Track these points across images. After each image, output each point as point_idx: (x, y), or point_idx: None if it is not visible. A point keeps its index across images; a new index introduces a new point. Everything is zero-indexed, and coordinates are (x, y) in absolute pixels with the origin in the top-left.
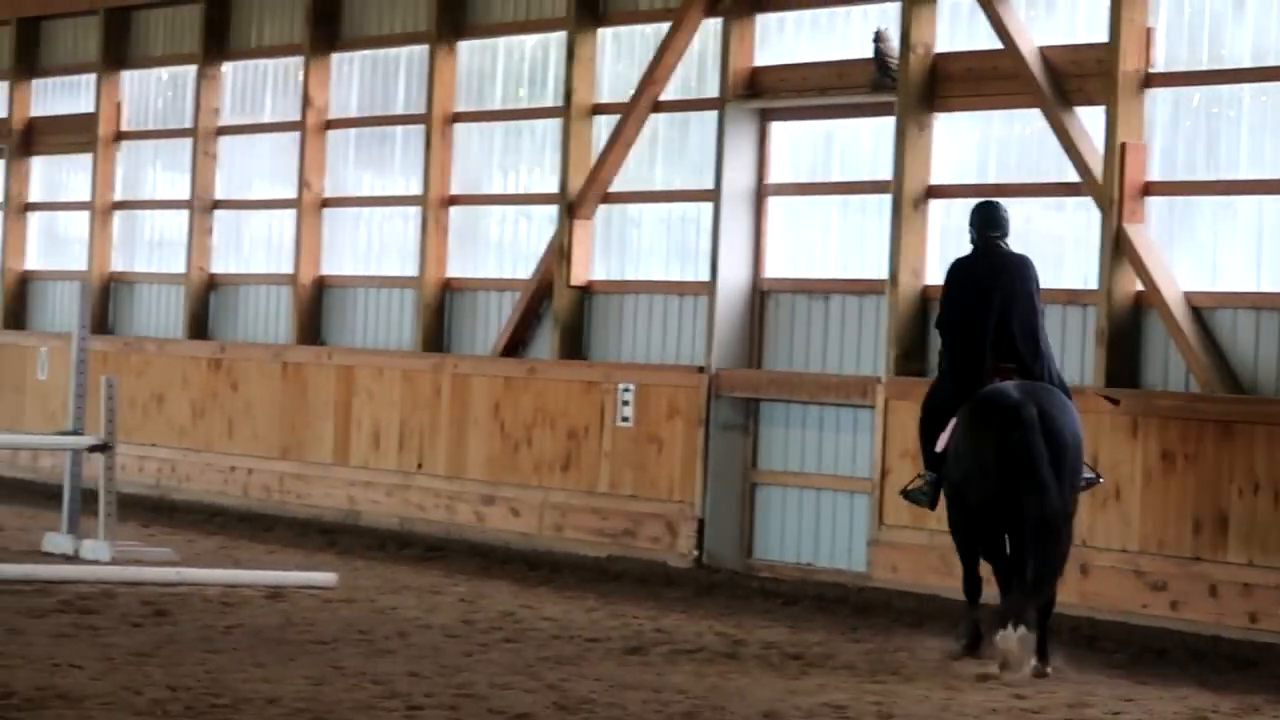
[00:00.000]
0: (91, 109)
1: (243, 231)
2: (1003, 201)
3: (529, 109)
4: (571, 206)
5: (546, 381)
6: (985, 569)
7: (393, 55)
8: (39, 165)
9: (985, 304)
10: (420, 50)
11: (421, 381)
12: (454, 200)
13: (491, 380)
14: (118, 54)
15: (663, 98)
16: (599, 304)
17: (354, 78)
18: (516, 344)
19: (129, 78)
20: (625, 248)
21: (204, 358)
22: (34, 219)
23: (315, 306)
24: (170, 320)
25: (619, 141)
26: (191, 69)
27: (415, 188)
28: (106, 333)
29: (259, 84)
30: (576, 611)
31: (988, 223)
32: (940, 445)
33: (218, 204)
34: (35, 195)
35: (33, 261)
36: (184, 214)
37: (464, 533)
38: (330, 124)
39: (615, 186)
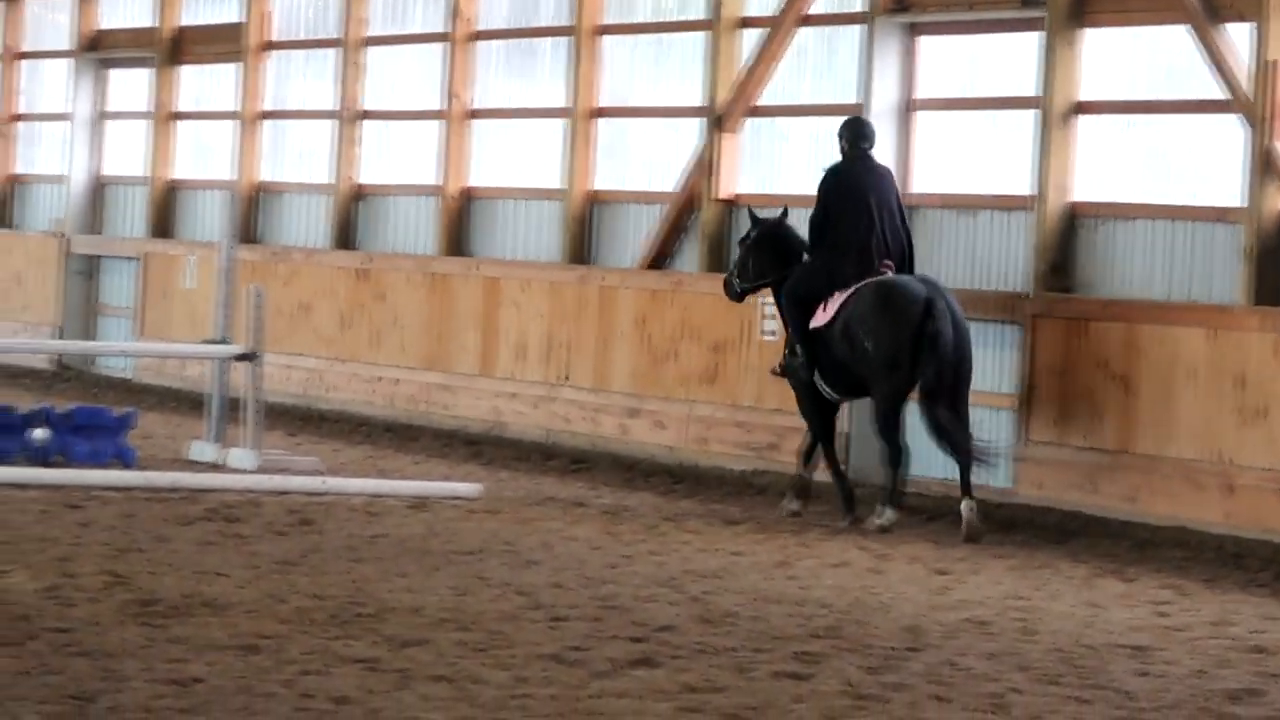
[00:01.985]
0: (240, 18)
1: (389, 142)
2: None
3: (676, 21)
4: (718, 120)
5: (692, 295)
6: None
7: None
8: (187, 75)
9: (865, 207)
10: None
11: (567, 294)
12: (601, 113)
13: (637, 293)
14: None
15: (810, 11)
16: (743, 217)
17: None
18: (662, 257)
19: None
20: (772, 161)
21: (350, 268)
22: (182, 128)
23: (461, 218)
24: (317, 230)
25: (766, 55)
26: None
27: (562, 100)
28: (253, 242)
29: None
30: (720, 525)
31: (859, 135)
32: (819, 321)
33: (365, 114)
34: (183, 105)
35: (181, 171)
36: (331, 124)
37: (608, 445)
38: (478, 35)
39: (762, 100)
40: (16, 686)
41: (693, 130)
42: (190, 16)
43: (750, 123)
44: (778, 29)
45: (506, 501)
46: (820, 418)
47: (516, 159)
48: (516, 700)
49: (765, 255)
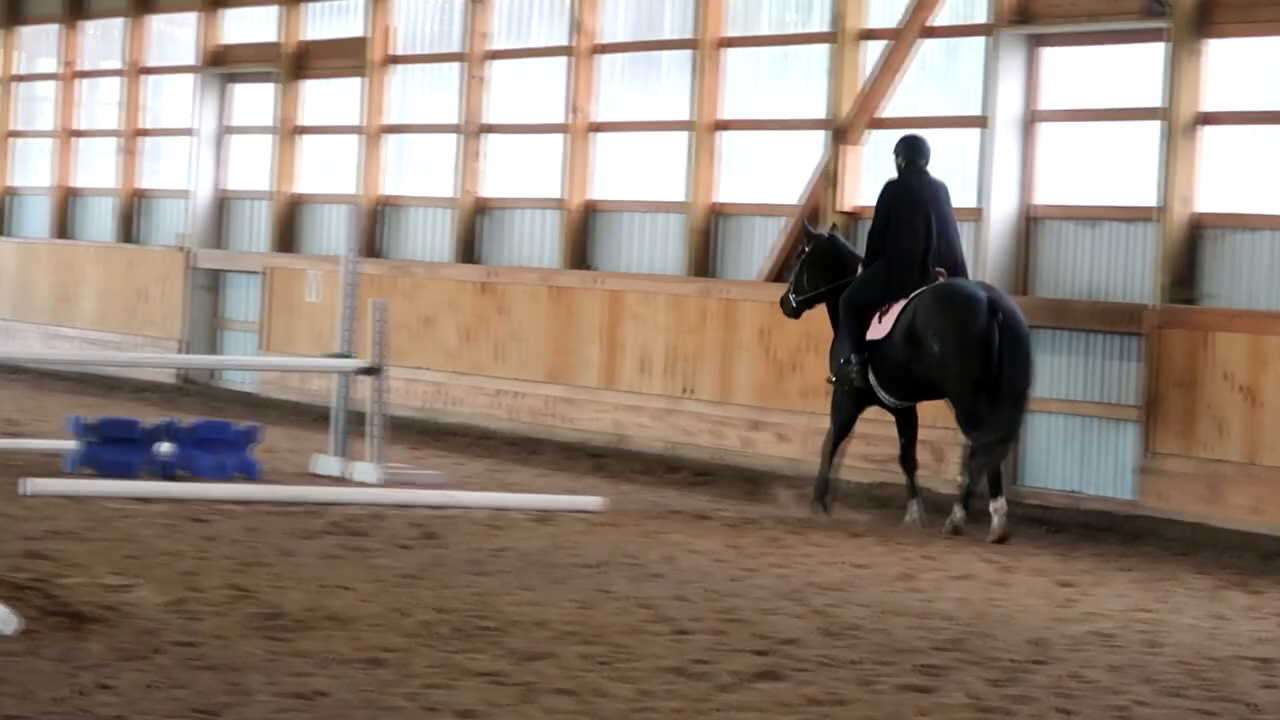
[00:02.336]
0: (363, 33)
1: (512, 156)
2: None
3: (799, 34)
4: (840, 132)
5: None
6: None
7: None
8: (310, 89)
9: (923, 220)
10: None
11: (689, 306)
12: (723, 125)
13: (759, 305)
14: None
15: (933, 23)
16: (867, 229)
17: (624, 2)
18: (784, 269)
19: (400, 2)
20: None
21: (473, 281)
22: (305, 143)
23: (584, 231)
24: (439, 244)
25: (888, 67)
26: None
27: (684, 113)
28: (376, 256)
29: (529, 8)
30: (843, 537)
31: (917, 152)
32: (878, 333)
33: (487, 128)
34: (306, 119)
35: (304, 185)
36: (454, 138)
37: (730, 458)
38: (600, 48)
39: (884, 112)
40: (143, 700)
41: (815, 142)
42: (313, 31)
43: (873, 135)
44: (900, 41)
45: (629, 514)
46: (848, 419)
47: (639, 172)
48: (640, 714)
49: (819, 269)
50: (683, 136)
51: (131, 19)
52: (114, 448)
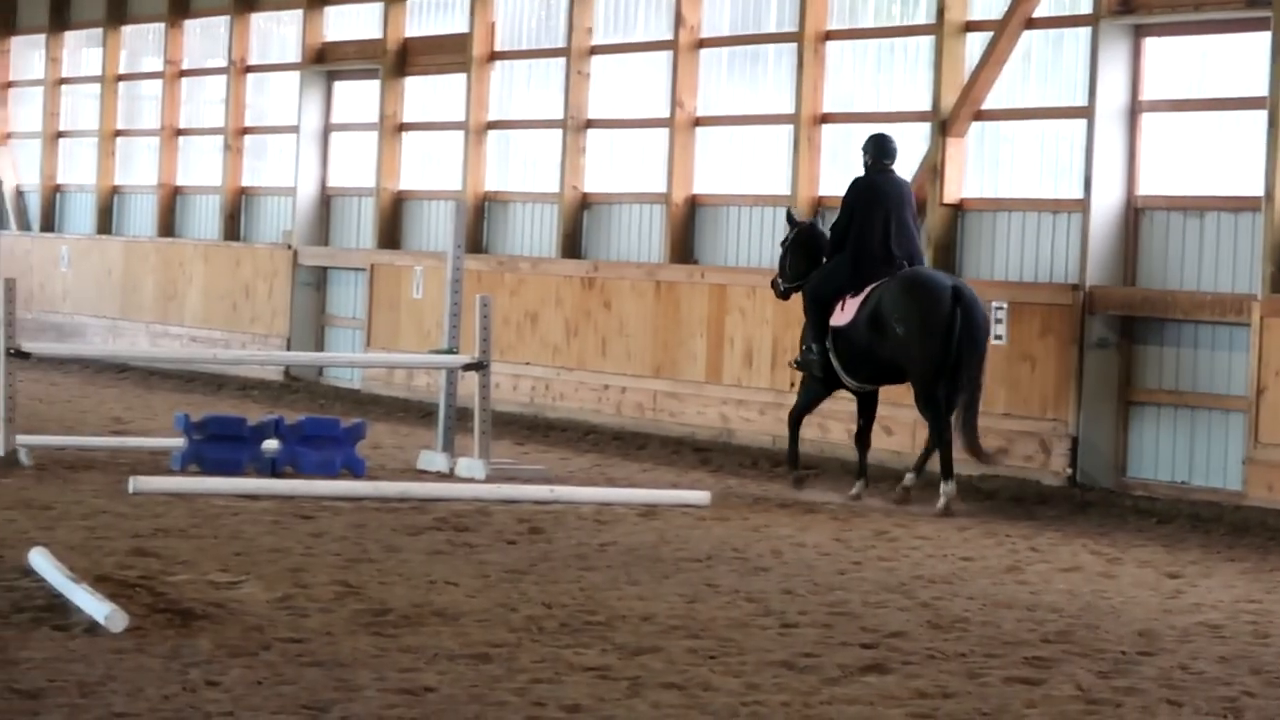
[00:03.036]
0: (465, 29)
1: (615, 150)
2: None
3: (902, 26)
4: (944, 124)
5: None
6: None
7: None
8: (413, 85)
9: (882, 216)
10: None
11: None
12: (826, 118)
13: None
14: None
15: (1036, 14)
16: (971, 221)
17: None
18: None
19: None
20: (998, 165)
21: (577, 276)
22: (408, 139)
23: (687, 225)
24: (543, 239)
25: (991, 59)
26: None
27: (787, 106)
28: (480, 251)
29: (631, 3)
30: (949, 530)
31: (883, 152)
32: (841, 320)
33: (590, 123)
34: (409, 116)
35: (407, 181)
36: (557, 133)
37: (836, 450)
38: (703, 42)
39: (988, 104)
40: (251, 697)
41: (918, 135)
42: (416, 28)
43: (976, 127)
44: (1002, 32)
45: (735, 508)
46: (814, 398)
47: (741, 165)
48: (748, 707)
49: (800, 256)
50: (785, 130)
51: (235, 17)
52: (220, 445)
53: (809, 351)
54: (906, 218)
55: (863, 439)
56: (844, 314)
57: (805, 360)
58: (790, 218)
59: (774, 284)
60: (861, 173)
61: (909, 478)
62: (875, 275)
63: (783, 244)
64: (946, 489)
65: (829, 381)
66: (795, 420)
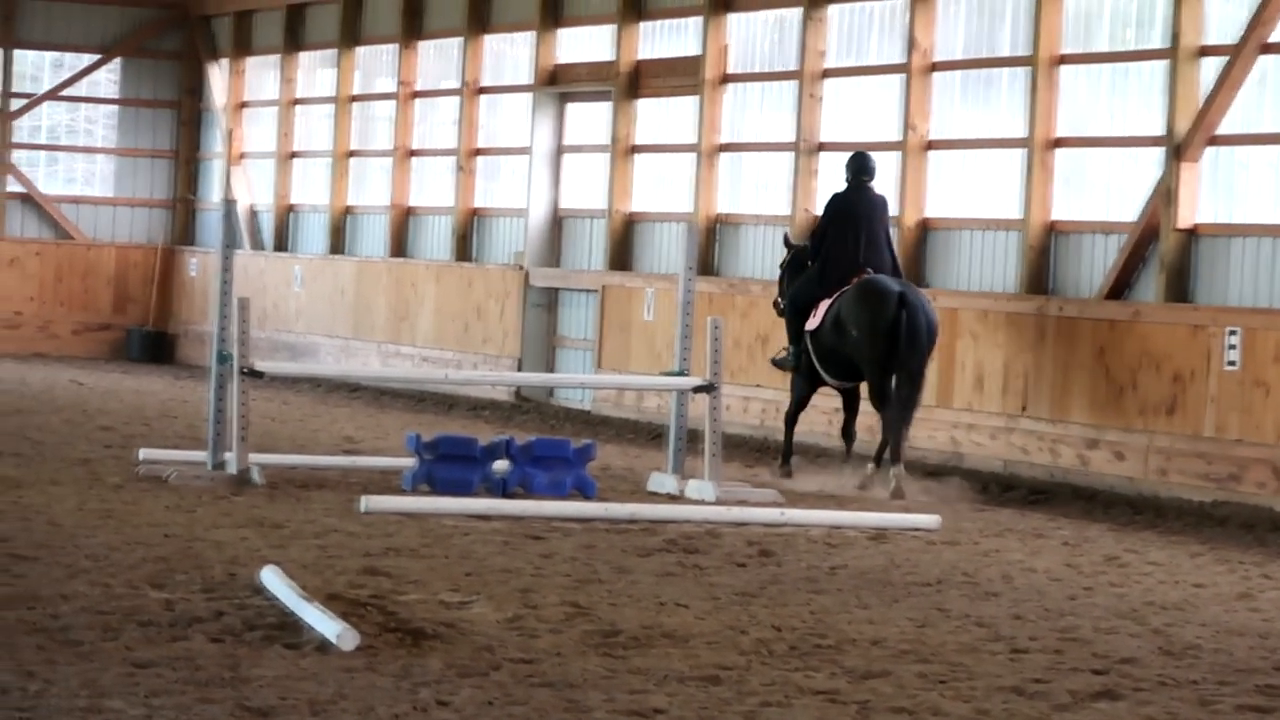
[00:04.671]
0: (698, 51)
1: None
2: None
3: (1135, 51)
4: (1178, 149)
5: (1151, 325)
6: None
7: None
8: (645, 107)
9: (853, 230)
10: None
11: (1025, 324)
12: (1059, 142)
13: (1096, 323)
14: None
15: (1271, 39)
16: (1205, 247)
17: (959, 19)
18: (1121, 287)
19: (735, 20)
20: (1232, 190)
21: None
22: (640, 161)
23: (919, 248)
24: (774, 262)
25: (1226, 83)
26: (797, 11)
27: (1020, 130)
28: (711, 274)
29: (864, 26)
30: (1181, 556)
31: (861, 169)
32: (813, 324)
33: (822, 146)
34: (641, 137)
35: (639, 203)
36: (788, 156)
37: (1067, 476)
38: (936, 66)
39: (1222, 129)
40: (481, 717)
41: (1152, 159)
42: (649, 50)
43: (1210, 151)
44: (1238, 57)
45: (965, 533)
46: (802, 397)
47: (973, 189)
48: None
49: (796, 275)
50: (1018, 154)
51: (468, 38)
52: (451, 465)
53: (787, 352)
54: (878, 230)
55: (847, 432)
56: (815, 318)
57: (782, 360)
58: (786, 241)
59: (775, 304)
60: (841, 188)
61: (869, 467)
62: (844, 283)
63: (781, 265)
64: (895, 471)
65: (811, 379)
66: (790, 419)
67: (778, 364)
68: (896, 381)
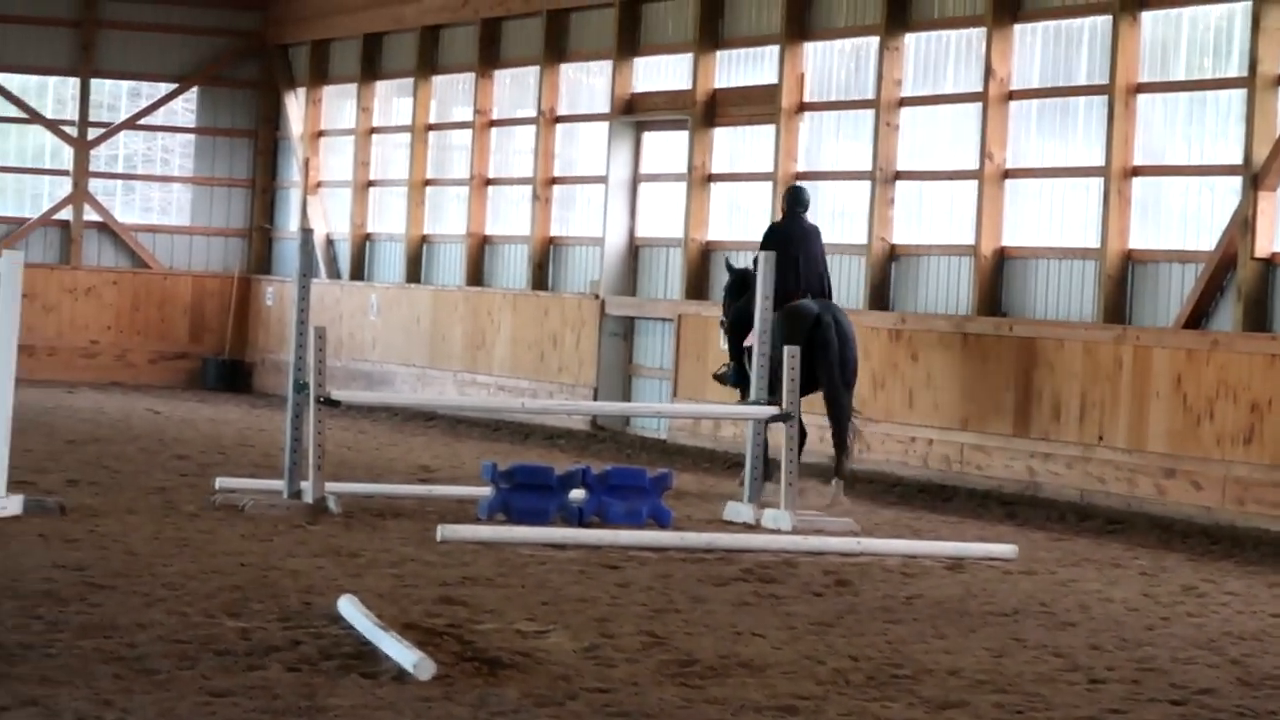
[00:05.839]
0: (774, 80)
1: (924, 202)
2: None
3: (1213, 79)
4: (1255, 177)
5: (1229, 354)
6: None
7: (1075, 26)
8: (721, 136)
9: (793, 257)
10: (1103, 21)
11: (1102, 353)
12: (1136, 171)
13: (1173, 353)
14: (800, 25)
15: None
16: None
17: (1036, 48)
18: (1199, 316)
19: (811, 49)
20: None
21: (884, 328)
22: (716, 189)
23: (996, 277)
24: (851, 290)
25: None
26: (874, 40)
27: (1097, 158)
28: None
29: (941, 55)
30: (1260, 587)
31: (796, 201)
32: (749, 341)
33: (899, 174)
34: (718, 166)
35: (715, 232)
36: (865, 184)
37: (1144, 505)
38: (1012, 94)
39: None
40: None
41: (1229, 188)
42: (725, 79)
43: None
44: None
45: (1042, 562)
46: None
47: (1050, 218)
48: None
49: (736, 297)
50: (1095, 182)
51: (545, 67)
52: (527, 494)
53: (727, 368)
54: (812, 256)
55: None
56: (752, 336)
57: (722, 375)
58: (728, 265)
59: (720, 324)
60: (778, 219)
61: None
62: (780, 305)
63: (725, 289)
64: (836, 481)
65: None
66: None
67: (719, 379)
68: (825, 397)
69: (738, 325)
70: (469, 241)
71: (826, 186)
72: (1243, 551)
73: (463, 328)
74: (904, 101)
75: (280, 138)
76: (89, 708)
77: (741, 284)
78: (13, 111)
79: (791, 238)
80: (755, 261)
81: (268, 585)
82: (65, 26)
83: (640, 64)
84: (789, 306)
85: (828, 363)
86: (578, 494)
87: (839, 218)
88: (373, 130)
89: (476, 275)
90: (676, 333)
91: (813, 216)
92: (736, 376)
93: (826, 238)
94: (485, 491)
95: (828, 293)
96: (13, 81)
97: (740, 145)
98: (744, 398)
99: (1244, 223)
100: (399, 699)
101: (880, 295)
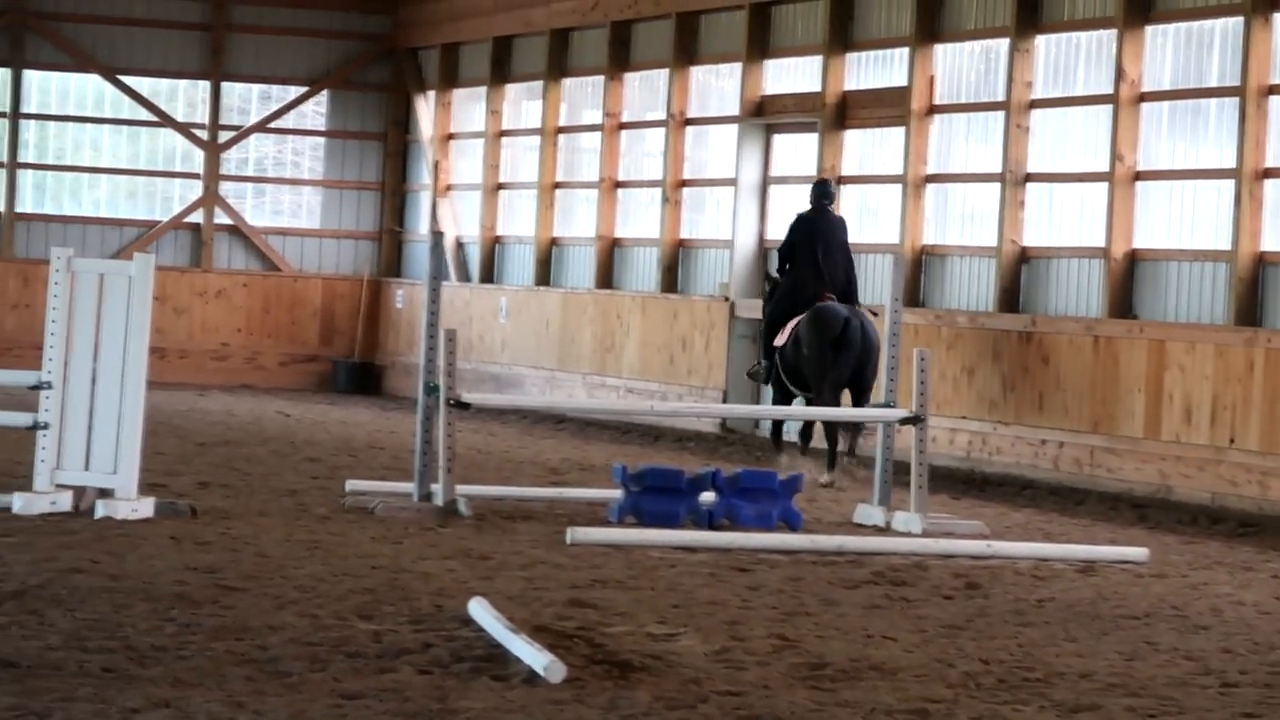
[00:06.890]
0: (904, 82)
1: (1054, 204)
2: None
3: None
4: None
5: None
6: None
7: (1207, 27)
8: (851, 138)
9: (817, 250)
10: (1235, 22)
11: (1234, 356)
12: (1269, 173)
13: None
14: (931, 27)
15: None
16: None
17: (1167, 50)
18: None
19: (942, 51)
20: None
21: (1015, 331)
22: (847, 192)
23: (1127, 279)
24: (981, 293)
25: None
26: (1004, 42)
27: (1229, 160)
28: (917, 305)
29: (1071, 56)
30: None
31: (823, 194)
32: (780, 341)
33: (1029, 176)
34: (848, 168)
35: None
36: (995, 186)
37: (1276, 508)
38: (1144, 96)
39: None
40: None
41: None
42: (855, 81)
43: None
44: None
45: (1174, 565)
46: (778, 405)
47: (1182, 220)
48: None
49: (767, 303)
50: (1227, 185)
51: (674, 69)
52: (658, 497)
53: (757, 367)
54: (835, 247)
55: (804, 433)
56: (783, 335)
57: (754, 372)
58: (768, 276)
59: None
60: (804, 210)
61: (826, 476)
62: (805, 301)
63: (763, 297)
64: (832, 474)
65: (782, 391)
66: (775, 425)
67: (751, 376)
68: (854, 396)
69: (770, 325)
70: (598, 244)
71: (957, 189)
72: None
73: (592, 330)
74: (1034, 103)
75: (410, 141)
76: (221, 710)
77: (775, 290)
78: (144, 115)
79: (816, 228)
80: (780, 252)
81: (399, 588)
82: (195, 30)
83: (770, 66)
84: (819, 308)
85: (848, 356)
86: (708, 497)
87: (969, 220)
88: (502, 133)
89: (606, 278)
90: None
91: (948, 220)
92: (768, 374)
93: (956, 240)
94: (615, 494)
95: (852, 286)
96: (143, 85)
97: (870, 148)
98: (777, 396)
99: None
100: (530, 702)
101: (1010, 298)
